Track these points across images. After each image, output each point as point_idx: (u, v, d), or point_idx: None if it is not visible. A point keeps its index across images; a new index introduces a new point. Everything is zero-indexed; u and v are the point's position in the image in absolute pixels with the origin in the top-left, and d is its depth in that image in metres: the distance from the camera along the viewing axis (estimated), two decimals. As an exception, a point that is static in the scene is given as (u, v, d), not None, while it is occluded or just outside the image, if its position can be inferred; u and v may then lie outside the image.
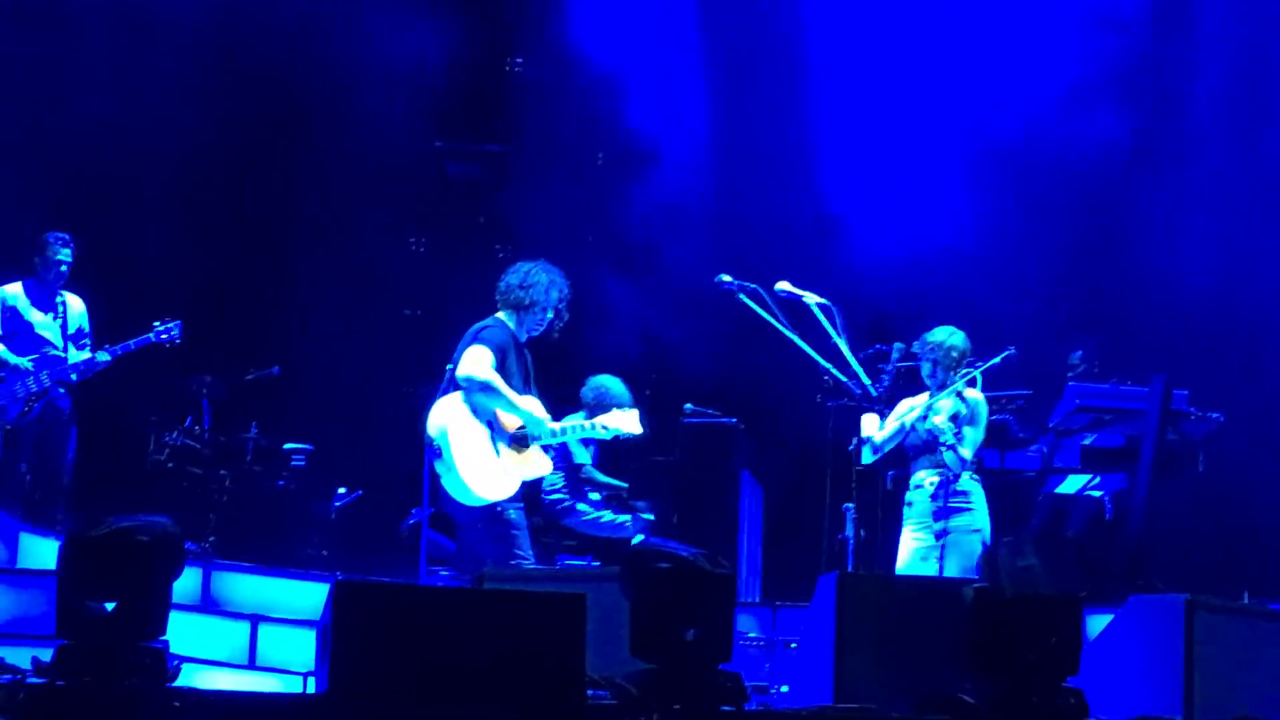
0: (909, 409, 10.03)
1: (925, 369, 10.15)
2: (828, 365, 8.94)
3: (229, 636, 10.73)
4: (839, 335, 8.93)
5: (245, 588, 11.11)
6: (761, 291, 9.26)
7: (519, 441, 9.34)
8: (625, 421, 9.67)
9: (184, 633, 10.21)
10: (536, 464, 9.50)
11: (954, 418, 10.02)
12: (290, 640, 10.77)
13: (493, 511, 9.29)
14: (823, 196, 14.04)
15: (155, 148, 13.82)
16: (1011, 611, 6.32)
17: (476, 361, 9.25)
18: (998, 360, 10.63)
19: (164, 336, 11.81)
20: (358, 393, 14.18)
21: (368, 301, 14.36)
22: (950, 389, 10.06)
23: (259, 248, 14.29)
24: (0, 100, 13.32)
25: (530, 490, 10.12)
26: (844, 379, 8.91)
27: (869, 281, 13.04)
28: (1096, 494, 12.48)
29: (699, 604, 6.12)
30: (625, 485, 11.98)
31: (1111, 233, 14.35)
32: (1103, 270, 14.37)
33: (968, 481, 10.06)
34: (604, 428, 9.68)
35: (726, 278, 9.34)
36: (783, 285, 9.26)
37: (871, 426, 10.10)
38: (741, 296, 9.27)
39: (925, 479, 10.08)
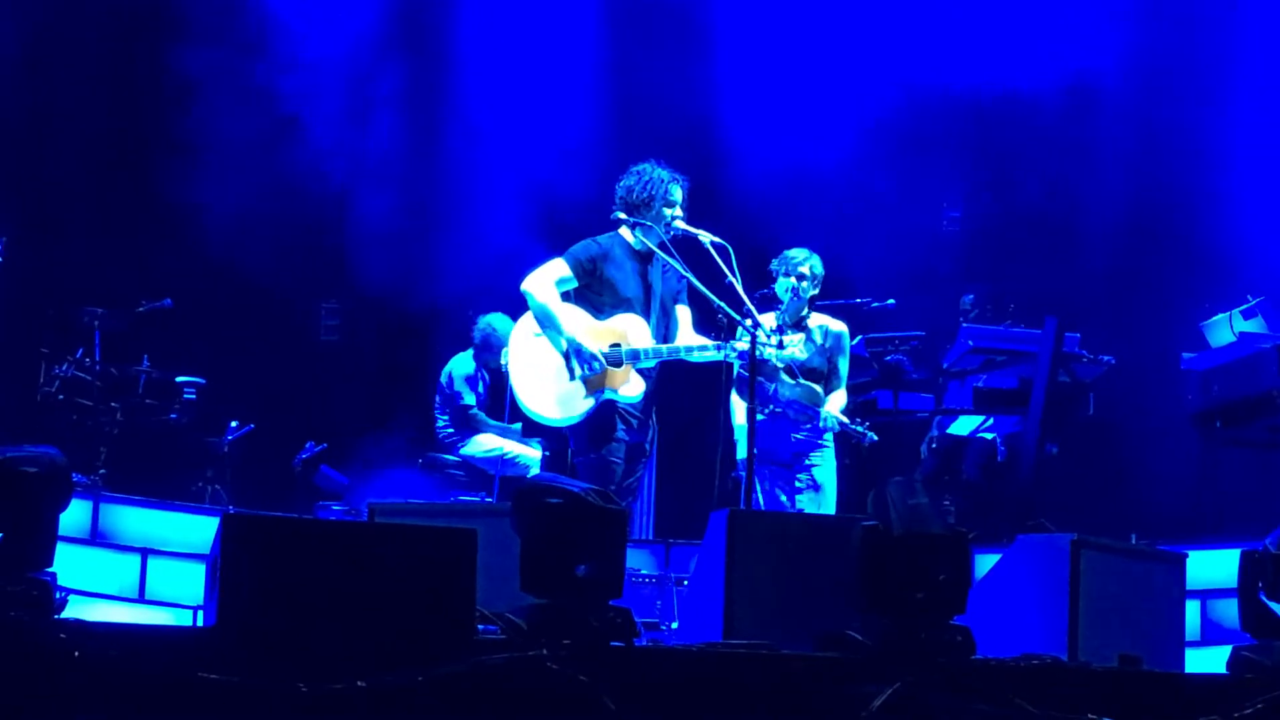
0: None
1: (786, 288, 10.04)
2: (721, 304, 8.90)
3: (119, 570, 10.70)
4: (733, 274, 8.88)
5: (135, 521, 11.06)
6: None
7: (610, 360, 8.77)
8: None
9: (73, 566, 10.18)
10: (623, 385, 8.81)
11: (830, 358, 10.00)
12: (180, 574, 10.76)
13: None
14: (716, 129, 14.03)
15: (46, 72, 13.66)
16: (900, 549, 6.36)
17: (536, 275, 8.89)
18: (876, 305, 10.75)
19: None
20: (251, 326, 14.08)
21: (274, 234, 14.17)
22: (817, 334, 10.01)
23: (155, 177, 14.08)
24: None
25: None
26: (737, 318, 8.88)
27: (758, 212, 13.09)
28: (989, 436, 12.59)
29: (590, 540, 6.11)
30: (516, 427, 11.98)
31: (1005, 175, 14.44)
32: (996, 213, 14.46)
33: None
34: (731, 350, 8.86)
35: (622, 214, 9.23)
36: (678, 223, 9.20)
37: None
38: (637, 233, 9.19)
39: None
